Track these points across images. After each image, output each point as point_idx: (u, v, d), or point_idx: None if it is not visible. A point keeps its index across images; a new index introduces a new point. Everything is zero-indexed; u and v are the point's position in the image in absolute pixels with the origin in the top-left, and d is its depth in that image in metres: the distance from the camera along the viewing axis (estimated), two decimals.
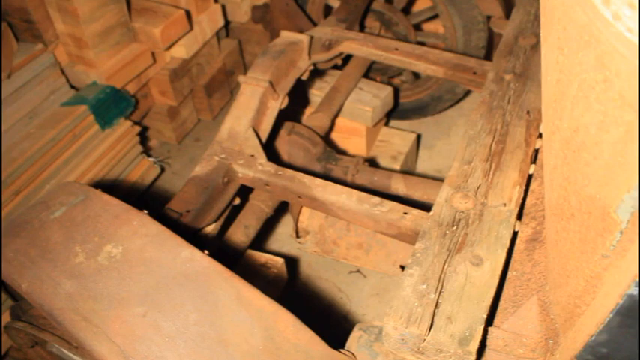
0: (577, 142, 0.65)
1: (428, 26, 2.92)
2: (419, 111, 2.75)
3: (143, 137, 2.72)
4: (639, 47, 0.50)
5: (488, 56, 2.43)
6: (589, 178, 0.66)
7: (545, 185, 0.93)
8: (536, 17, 1.97)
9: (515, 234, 1.24)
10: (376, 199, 1.41)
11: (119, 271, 1.11)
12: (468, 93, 2.70)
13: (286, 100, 1.76)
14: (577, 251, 0.76)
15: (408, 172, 2.51)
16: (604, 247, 0.70)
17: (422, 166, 2.70)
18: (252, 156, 1.56)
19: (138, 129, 2.56)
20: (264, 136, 1.67)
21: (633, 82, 0.53)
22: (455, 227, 1.24)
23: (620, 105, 0.56)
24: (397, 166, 2.38)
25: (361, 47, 2.02)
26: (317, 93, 2.33)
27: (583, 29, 0.56)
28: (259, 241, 1.80)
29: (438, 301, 1.09)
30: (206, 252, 1.13)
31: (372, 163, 2.40)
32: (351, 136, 2.38)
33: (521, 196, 1.32)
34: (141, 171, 2.62)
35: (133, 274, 1.10)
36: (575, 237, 0.75)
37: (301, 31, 2.38)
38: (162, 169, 2.78)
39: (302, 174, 1.49)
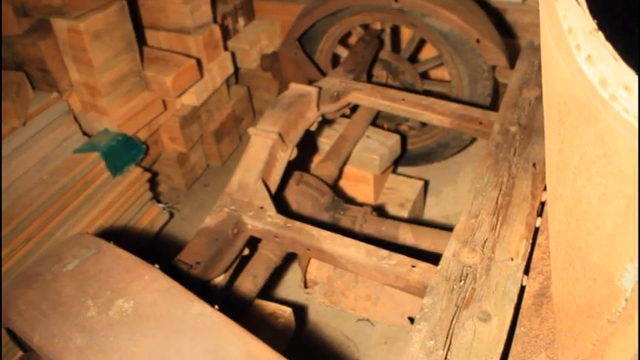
0: (580, 211, 0.67)
1: (435, 73, 2.97)
2: (426, 157, 2.78)
3: (153, 182, 2.75)
4: (639, 127, 0.53)
5: (494, 103, 2.47)
6: (592, 246, 0.68)
7: (550, 248, 0.94)
8: (540, 68, 2.01)
9: (522, 288, 1.25)
10: (384, 252, 1.42)
11: (130, 326, 1.12)
12: (474, 139, 2.72)
13: (295, 152, 1.79)
14: (583, 315, 0.77)
15: (415, 219, 2.53)
16: (610, 313, 0.71)
17: (429, 213, 2.71)
18: (262, 208, 1.58)
19: (148, 175, 2.59)
20: (273, 187, 1.70)
21: (632, 158, 0.55)
22: (462, 282, 1.25)
23: (620, 179, 0.58)
24: (405, 214, 2.39)
25: (368, 97, 2.07)
26: (325, 141, 2.36)
27: (583, 106, 0.59)
28: (267, 288, 1.80)
29: (446, 358, 1.10)
30: (216, 307, 1.14)
31: (380, 210, 2.41)
32: (358, 184, 2.40)
33: (528, 249, 1.33)
34: (150, 217, 2.65)
35: (143, 329, 1.11)
36: (581, 301, 0.76)
37: (309, 80, 2.43)
38: (172, 215, 2.81)
39: (310, 226, 1.51)
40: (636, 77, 0.54)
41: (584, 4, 0.61)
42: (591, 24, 0.58)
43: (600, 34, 0.57)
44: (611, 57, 0.56)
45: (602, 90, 0.55)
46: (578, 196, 0.67)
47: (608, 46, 0.56)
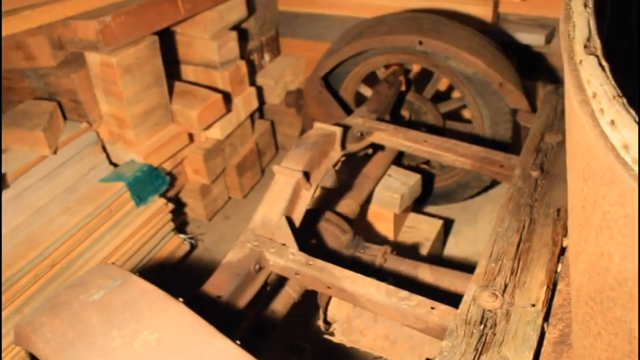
0: (602, 267, 0.69)
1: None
2: (446, 197, 2.79)
3: (175, 213, 2.79)
4: None
5: (514, 146, 2.49)
6: (614, 301, 0.69)
7: (572, 299, 0.95)
8: (562, 113, 2.03)
9: (542, 335, 1.25)
10: (404, 293, 1.43)
11: (153, 359, 1.14)
12: (495, 181, 2.74)
13: (319, 190, 1.82)
14: None
15: (434, 258, 2.53)
16: None
17: (449, 252, 2.72)
18: (284, 244, 1.60)
19: (171, 206, 2.63)
20: (296, 224, 1.73)
21: None
22: (482, 326, 1.26)
23: None
24: (424, 252, 2.40)
25: (391, 138, 2.10)
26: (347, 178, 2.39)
27: (606, 169, 0.61)
28: (286, 325, 1.81)
29: None
30: (238, 342, 1.16)
31: (400, 248, 2.42)
32: (379, 222, 2.42)
33: (549, 296, 1.33)
34: (172, 247, 2.68)
35: None
36: (603, 354, 0.77)
37: (332, 117, 2.47)
38: (193, 246, 2.84)
39: (332, 265, 1.53)
40: None
41: (608, 70, 0.63)
42: (615, 90, 0.61)
43: (623, 100, 0.60)
44: (634, 122, 0.58)
45: (624, 154, 0.58)
46: (600, 252, 0.69)
47: (632, 111, 0.59)
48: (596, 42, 0.67)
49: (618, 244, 0.64)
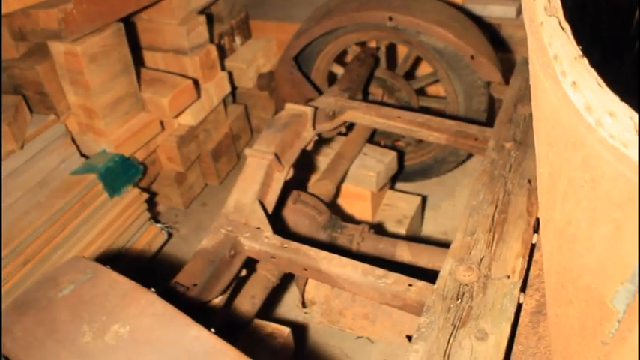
0: (570, 234, 0.67)
1: (431, 88, 2.99)
2: (423, 173, 2.78)
3: (151, 203, 2.75)
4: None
5: (489, 118, 2.48)
6: (583, 268, 0.68)
7: (544, 269, 0.94)
8: None
9: (519, 306, 1.25)
10: (381, 271, 1.42)
11: (126, 351, 1.11)
12: (471, 155, 2.73)
13: (291, 172, 1.79)
14: (577, 336, 0.77)
15: (413, 235, 2.52)
16: (603, 335, 0.71)
17: (427, 228, 2.71)
18: (259, 228, 1.58)
19: (146, 196, 2.59)
20: (270, 208, 1.70)
21: (618, 183, 0.56)
22: (459, 300, 1.25)
23: (607, 204, 0.58)
24: (403, 230, 2.40)
25: (364, 116, 2.08)
26: (322, 159, 2.37)
27: (569, 132, 0.59)
28: (266, 308, 1.80)
29: None
30: (212, 330, 1.14)
31: (378, 227, 2.41)
32: (356, 201, 2.41)
33: (525, 266, 1.33)
34: (148, 237, 2.65)
35: (139, 354, 1.11)
36: (575, 322, 0.76)
37: (306, 99, 2.44)
38: (170, 235, 2.81)
39: (307, 246, 1.51)
40: (621, 103, 0.55)
41: (569, 31, 0.61)
42: (576, 50, 0.59)
43: (585, 61, 0.58)
44: (596, 83, 0.56)
45: (587, 115, 0.56)
46: (567, 219, 0.67)
47: (593, 72, 0.57)
48: (557, 3, 0.65)
49: (584, 209, 0.62)
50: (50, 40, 2.21)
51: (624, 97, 0.56)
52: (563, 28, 0.62)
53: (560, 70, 0.60)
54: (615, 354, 0.71)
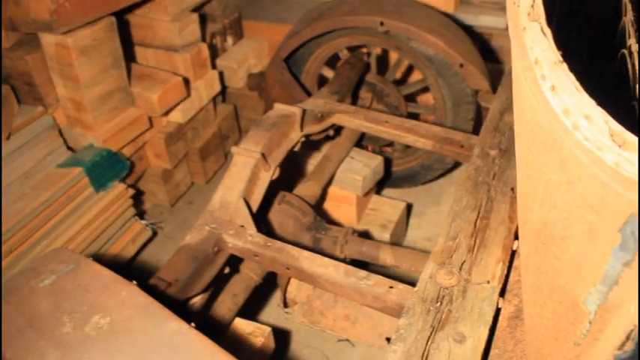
0: (546, 235, 0.69)
1: (420, 98, 3.01)
2: (409, 179, 2.80)
3: (137, 199, 2.75)
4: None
5: (477, 127, 2.50)
6: (558, 269, 0.69)
7: (521, 273, 0.96)
8: None
9: (498, 311, 1.27)
10: (363, 273, 1.43)
11: (105, 343, 1.12)
12: (458, 163, 2.75)
13: (278, 171, 1.80)
14: (551, 337, 0.78)
15: (397, 241, 2.54)
16: (575, 335, 0.72)
17: (412, 235, 2.73)
18: (243, 226, 1.59)
19: (131, 192, 2.59)
20: (255, 206, 1.71)
21: (593, 186, 0.57)
22: (439, 303, 1.26)
23: (582, 205, 0.60)
24: (387, 235, 2.41)
25: (352, 119, 2.09)
26: (310, 162, 2.38)
27: (548, 134, 0.61)
28: (247, 307, 1.80)
29: None
30: (193, 324, 1.14)
31: (362, 231, 2.42)
32: (341, 204, 2.42)
33: (505, 272, 1.35)
34: (133, 233, 2.64)
35: (118, 346, 1.11)
36: (549, 323, 0.78)
37: (295, 100, 2.45)
38: (155, 232, 2.80)
39: (291, 246, 1.52)
40: (597, 107, 0.56)
41: (550, 36, 0.63)
42: (556, 55, 0.61)
43: (564, 65, 0.60)
44: (574, 87, 0.58)
45: (564, 119, 0.57)
46: (544, 221, 0.69)
47: (571, 76, 0.59)
48: (540, 9, 0.67)
49: (560, 211, 0.64)
50: (41, 31, 2.20)
51: (606, 101, 0.58)
52: (544, 34, 0.63)
53: (540, 73, 0.61)
54: (587, 354, 0.72)
